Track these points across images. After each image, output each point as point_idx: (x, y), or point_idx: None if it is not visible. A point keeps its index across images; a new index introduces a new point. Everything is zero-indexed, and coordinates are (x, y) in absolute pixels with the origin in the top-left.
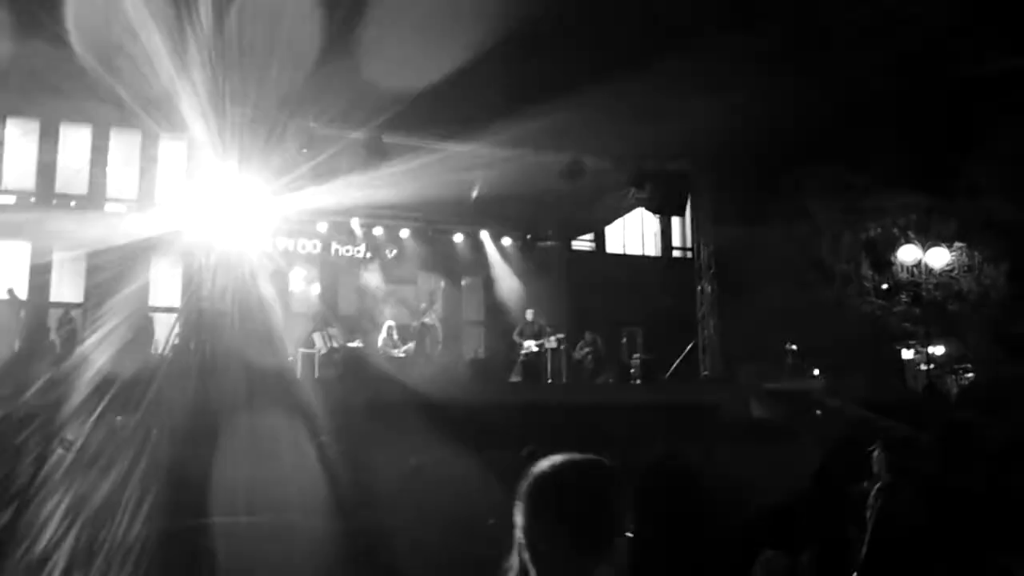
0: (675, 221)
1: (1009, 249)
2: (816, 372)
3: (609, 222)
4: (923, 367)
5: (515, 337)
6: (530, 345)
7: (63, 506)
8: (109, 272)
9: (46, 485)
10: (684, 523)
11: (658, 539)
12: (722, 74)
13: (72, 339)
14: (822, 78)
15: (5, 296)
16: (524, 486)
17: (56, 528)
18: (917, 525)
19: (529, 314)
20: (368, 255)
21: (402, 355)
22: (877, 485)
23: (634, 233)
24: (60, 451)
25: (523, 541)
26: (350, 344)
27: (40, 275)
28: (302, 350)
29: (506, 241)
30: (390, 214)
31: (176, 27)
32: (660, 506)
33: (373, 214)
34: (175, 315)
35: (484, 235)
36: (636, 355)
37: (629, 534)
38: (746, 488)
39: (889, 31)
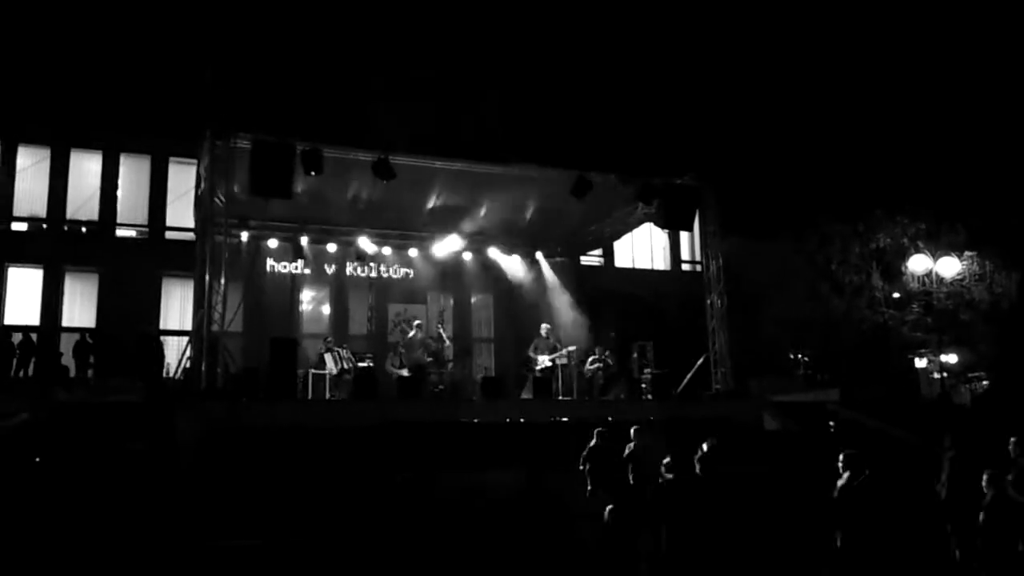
0: (684, 235)
1: (1020, 257)
2: (829, 383)
3: (618, 237)
4: (936, 376)
5: (530, 353)
6: (544, 360)
7: None
8: (120, 296)
9: None
10: None
11: None
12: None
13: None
14: (828, 90)
15: None
16: None
17: None
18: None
19: (544, 330)
20: (377, 275)
21: (407, 374)
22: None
23: (643, 248)
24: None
25: None
26: (361, 364)
27: (52, 300)
28: (313, 371)
29: (515, 258)
30: (398, 234)
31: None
32: None
33: (382, 234)
34: (186, 338)
35: (493, 252)
36: (647, 370)
37: None
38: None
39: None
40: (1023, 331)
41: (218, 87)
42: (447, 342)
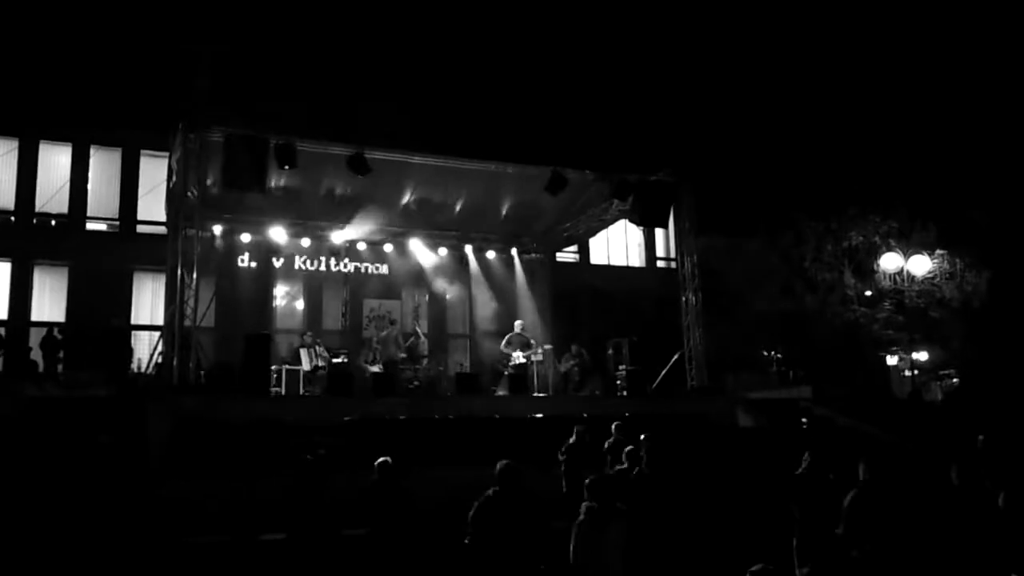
0: (659, 232)
1: (990, 256)
2: (801, 381)
3: (593, 234)
4: (907, 373)
5: (503, 348)
6: (518, 356)
7: None
8: (91, 290)
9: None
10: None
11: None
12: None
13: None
14: (804, 90)
15: None
16: None
17: None
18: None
19: (518, 326)
20: (352, 270)
21: (379, 370)
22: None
23: (618, 244)
24: None
25: None
26: (335, 360)
27: (21, 294)
28: (287, 367)
29: (490, 254)
30: (374, 229)
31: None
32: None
33: (356, 229)
34: (158, 333)
35: (468, 249)
36: (622, 367)
37: None
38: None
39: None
40: (993, 329)
41: (197, 82)
42: (422, 338)
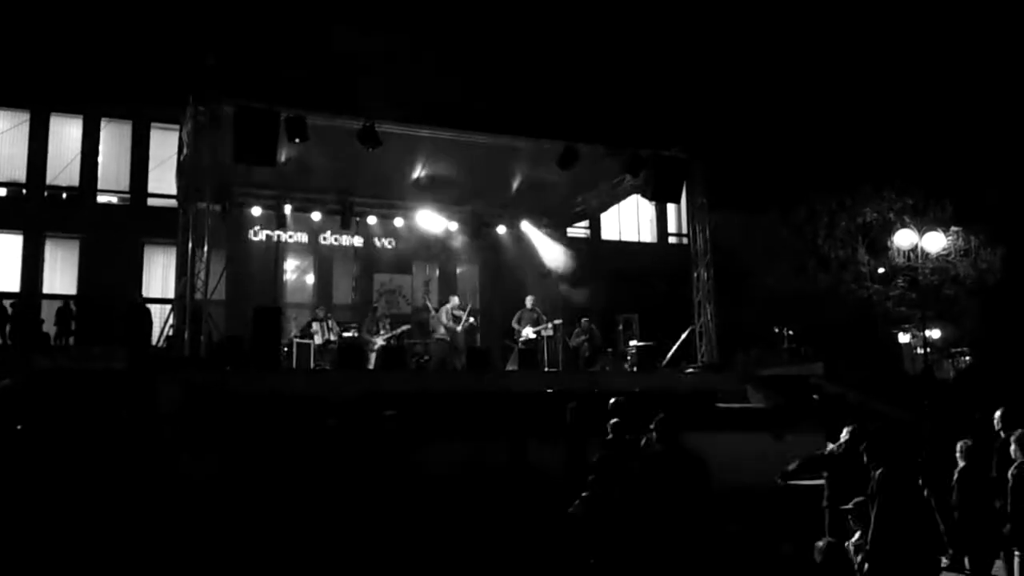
0: (671, 207)
1: (1005, 233)
2: (813, 357)
3: (605, 209)
4: (920, 351)
5: (514, 324)
6: (528, 332)
7: None
8: (102, 263)
9: None
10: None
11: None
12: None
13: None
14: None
15: None
16: None
17: None
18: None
19: (529, 301)
20: (363, 244)
21: (384, 343)
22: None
23: (629, 220)
24: None
25: None
26: (345, 334)
27: (32, 267)
28: (298, 340)
29: (501, 229)
30: (384, 203)
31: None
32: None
33: (367, 203)
34: (169, 306)
35: (479, 223)
36: (632, 342)
37: None
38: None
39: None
40: (1007, 306)
41: (209, 59)
42: (433, 312)
